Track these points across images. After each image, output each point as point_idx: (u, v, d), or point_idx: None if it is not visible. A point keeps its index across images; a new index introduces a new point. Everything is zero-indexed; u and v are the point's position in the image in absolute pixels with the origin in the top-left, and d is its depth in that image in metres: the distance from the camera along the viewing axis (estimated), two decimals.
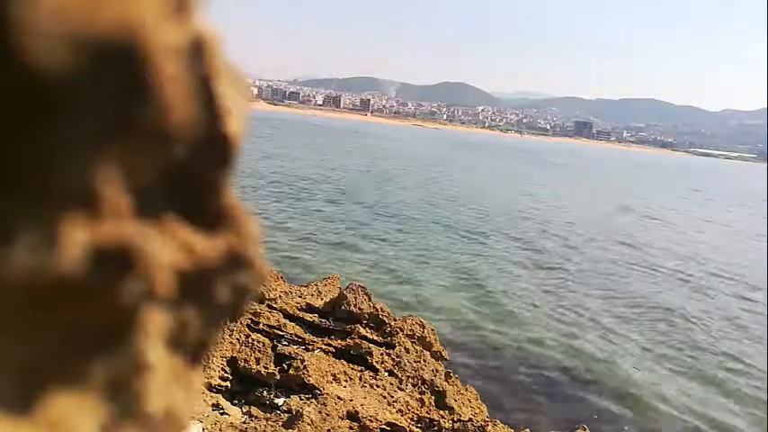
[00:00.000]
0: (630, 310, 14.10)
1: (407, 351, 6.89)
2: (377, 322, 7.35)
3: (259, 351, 6.17)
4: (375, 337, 7.02)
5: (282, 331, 6.74)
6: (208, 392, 5.65)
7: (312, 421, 5.06)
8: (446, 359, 7.63)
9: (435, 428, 5.72)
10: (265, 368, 6.05)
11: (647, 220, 30.17)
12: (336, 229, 18.99)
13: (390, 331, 7.18)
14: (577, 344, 11.43)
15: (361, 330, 6.99)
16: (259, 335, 6.39)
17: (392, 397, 6.05)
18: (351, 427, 5.30)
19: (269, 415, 5.39)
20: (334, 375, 6.11)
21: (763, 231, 29.32)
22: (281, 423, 5.10)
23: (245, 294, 0.32)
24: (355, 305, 7.39)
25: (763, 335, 12.94)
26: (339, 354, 6.61)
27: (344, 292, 7.65)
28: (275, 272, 8.38)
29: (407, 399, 6.09)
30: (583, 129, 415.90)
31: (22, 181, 0.23)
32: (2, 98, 0.22)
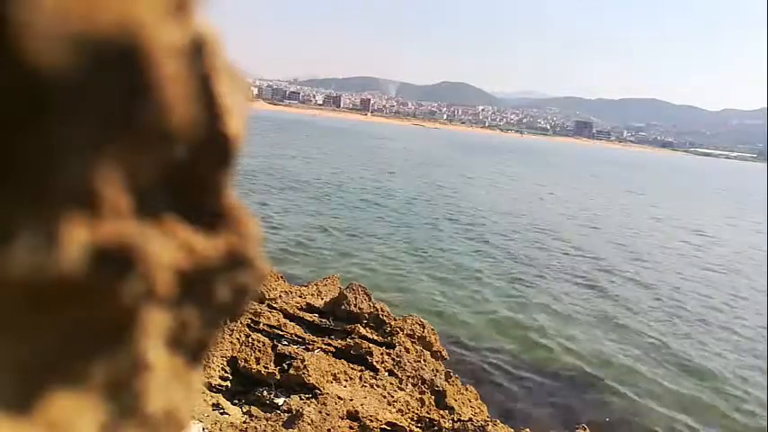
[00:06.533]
0: (630, 311, 14.11)
1: (407, 351, 6.89)
2: (377, 322, 7.35)
3: (259, 351, 6.18)
4: (375, 337, 7.02)
5: (282, 331, 6.74)
6: (208, 392, 5.65)
7: (312, 421, 5.06)
8: (446, 359, 7.62)
9: (435, 428, 5.72)
10: (265, 368, 6.05)
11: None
12: (338, 229, 19.00)
13: (390, 331, 7.18)
14: (577, 344, 11.44)
15: (362, 330, 6.99)
16: (259, 335, 6.39)
17: (392, 397, 6.05)
18: (351, 427, 5.30)
19: (269, 415, 5.39)
20: (334, 375, 6.11)
21: None
22: (281, 423, 5.10)
23: (246, 294, 0.32)
24: (355, 305, 7.39)
25: (763, 341, 12.93)
26: (339, 353, 6.61)
27: (344, 291, 7.64)
28: (275, 271, 8.38)
29: (407, 398, 6.09)
30: (583, 128, 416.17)
31: (22, 181, 0.23)
32: (2, 98, 0.22)
